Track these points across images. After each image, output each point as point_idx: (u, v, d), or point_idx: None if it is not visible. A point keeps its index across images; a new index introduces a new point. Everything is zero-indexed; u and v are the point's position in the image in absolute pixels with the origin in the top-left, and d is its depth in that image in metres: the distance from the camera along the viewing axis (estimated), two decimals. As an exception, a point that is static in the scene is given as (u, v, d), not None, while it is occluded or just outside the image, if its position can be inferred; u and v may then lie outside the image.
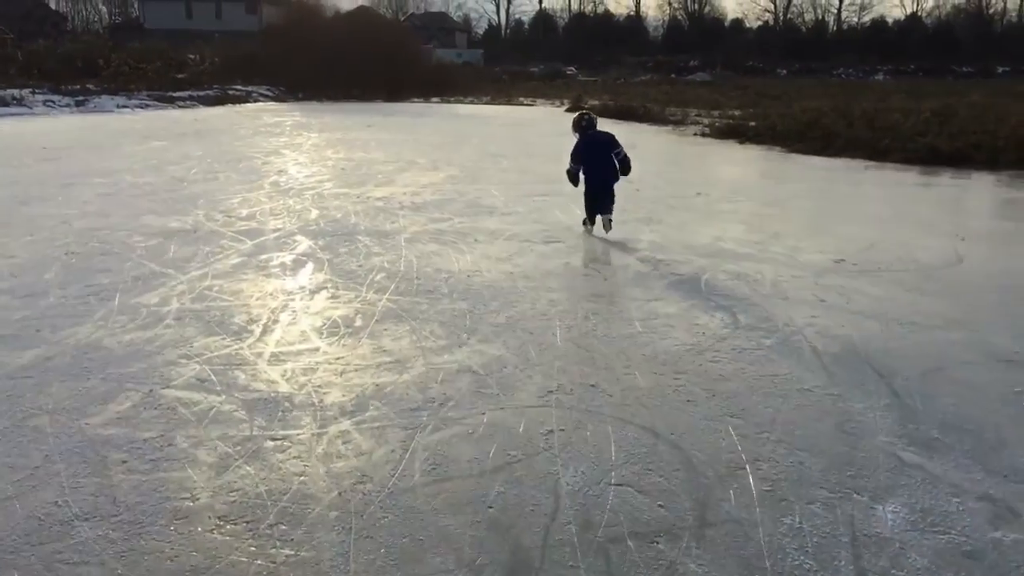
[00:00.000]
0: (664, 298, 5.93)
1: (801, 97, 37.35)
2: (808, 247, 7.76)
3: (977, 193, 12.19)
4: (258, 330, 5.10)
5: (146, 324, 5.18)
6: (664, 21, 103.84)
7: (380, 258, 7.08)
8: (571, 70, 78.00)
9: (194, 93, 31.95)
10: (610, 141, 8.20)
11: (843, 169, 14.43)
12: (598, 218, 8.15)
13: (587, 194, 8.24)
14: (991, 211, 10.97)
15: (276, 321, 5.29)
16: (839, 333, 5.19)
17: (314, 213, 9.15)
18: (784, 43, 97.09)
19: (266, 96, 34.78)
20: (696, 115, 27.74)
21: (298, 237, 7.88)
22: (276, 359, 4.61)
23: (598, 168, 8.06)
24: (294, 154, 15.04)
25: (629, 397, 4.14)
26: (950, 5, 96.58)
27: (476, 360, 4.64)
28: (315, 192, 10.61)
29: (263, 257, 7.04)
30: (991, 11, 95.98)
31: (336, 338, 4.99)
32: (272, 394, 4.12)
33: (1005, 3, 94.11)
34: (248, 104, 32.08)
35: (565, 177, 8.55)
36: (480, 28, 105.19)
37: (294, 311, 5.52)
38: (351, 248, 7.43)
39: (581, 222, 8.42)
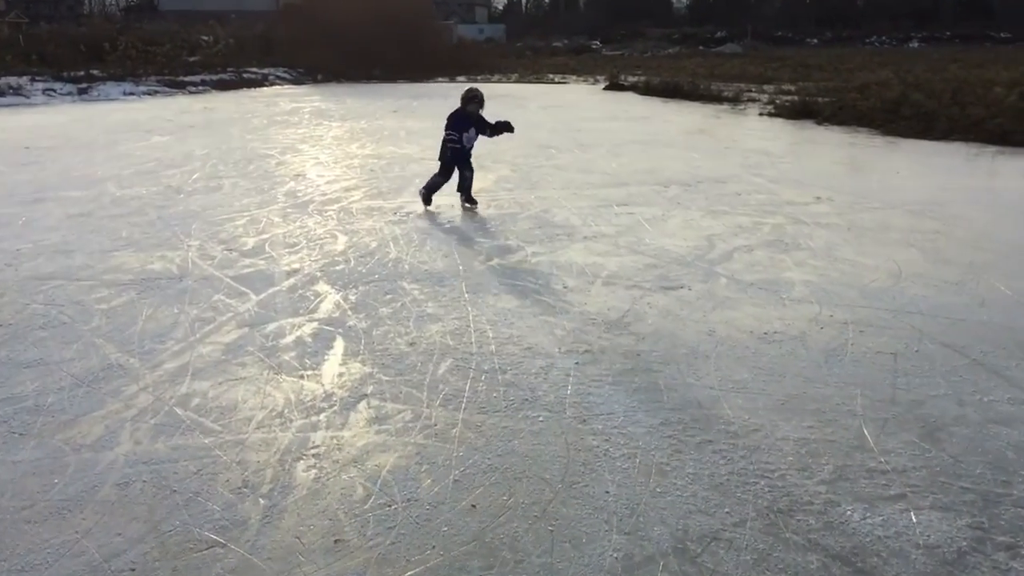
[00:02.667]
0: (920, 420, 3.71)
1: (847, 68, 34.87)
2: (1033, 290, 5.51)
3: None
4: (255, 518, 2.93)
5: (62, 508, 3.02)
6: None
7: (439, 326, 4.90)
8: (596, 44, 75.87)
9: (207, 77, 29.81)
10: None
11: (968, 157, 12.09)
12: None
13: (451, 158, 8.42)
14: None
15: (288, 487, 3.12)
16: None
17: (341, 242, 6.98)
18: (813, 11, 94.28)
19: (283, 79, 32.57)
20: (748, 91, 25.35)
21: (321, 286, 5.71)
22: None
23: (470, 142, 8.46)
24: (314, 150, 12.87)
25: None
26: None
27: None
28: (340, 207, 8.44)
29: (270, 329, 4.87)
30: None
31: (391, 541, 2.81)
32: None
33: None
34: (264, 88, 29.89)
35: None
36: (500, 2, 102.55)
37: (316, 457, 3.35)
38: (395, 307, 5.26)
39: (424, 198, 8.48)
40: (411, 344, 4.60)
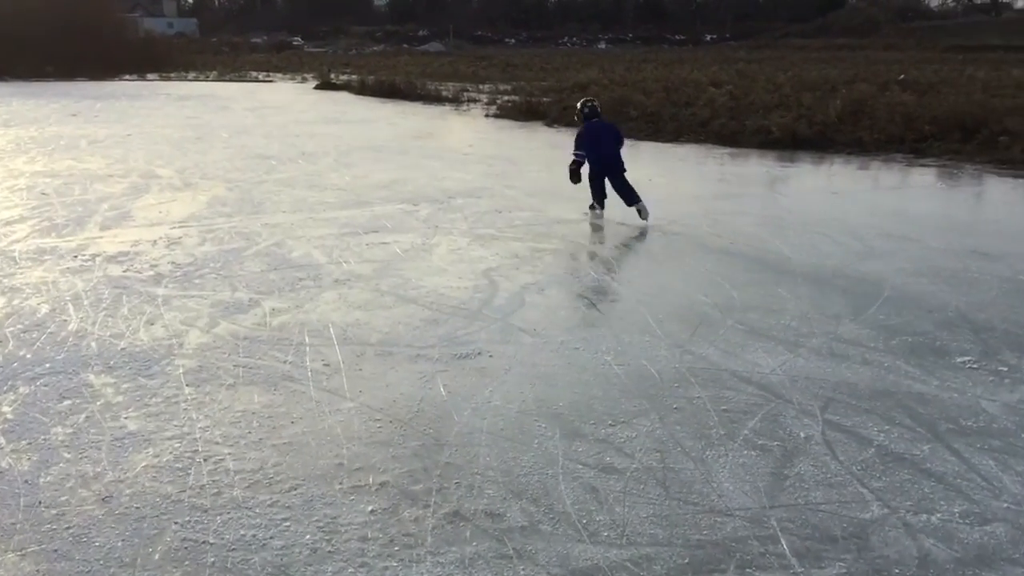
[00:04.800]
0: (879, 572, 2.63)
1: (553, 67, 35.58)
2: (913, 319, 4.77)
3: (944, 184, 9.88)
4: None
5: None
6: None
7: (148, 456, 3.24)
8: (297, 41, 74.00)
9: None
10: (616, 130, 7.94)
11: (701, 160, 11.84)
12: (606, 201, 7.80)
13: (595, 178, 7.82)
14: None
15: None
16: None
17: (-7, 308, 5.00)
18: (509, 13, 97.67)
19: (-72, 77, 27.64)
20: (466, 91, 24.70)
21: (-45, 393, 3.81)
22: None
23: (608, 150, 7.63)
24: (-37, 167, 10.24)
25: None
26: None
27: None
28: (-4, 250, 6.33)
29: None
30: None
31: None
32: None
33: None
34: (-97, 87, 25.10)
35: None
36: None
37: None
38: (77, 423, 3.51)
39: (589, 207, 7.91)
40: (104, 501, 2.92)
